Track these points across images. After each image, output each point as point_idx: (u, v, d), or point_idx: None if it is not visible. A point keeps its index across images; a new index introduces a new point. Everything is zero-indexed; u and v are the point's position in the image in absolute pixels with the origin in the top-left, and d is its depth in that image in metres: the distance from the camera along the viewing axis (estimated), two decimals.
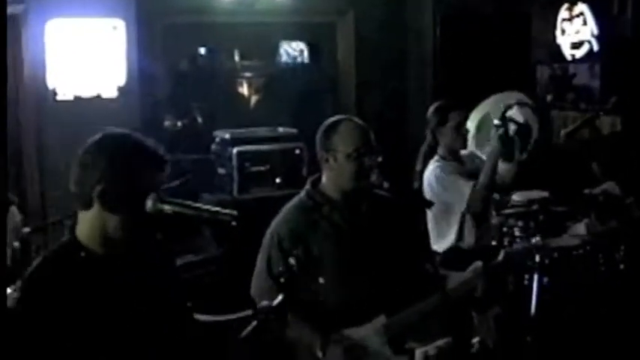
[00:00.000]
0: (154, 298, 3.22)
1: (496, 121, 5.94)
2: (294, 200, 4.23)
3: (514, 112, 6.44)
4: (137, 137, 3.13)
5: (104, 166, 3.02)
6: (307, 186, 4.24)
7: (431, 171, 6.01)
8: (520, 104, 6.36)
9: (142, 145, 3.11)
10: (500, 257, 4.18)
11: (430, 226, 6.08)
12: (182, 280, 3.50)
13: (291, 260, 3.44)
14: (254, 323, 3.37)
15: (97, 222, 3.06)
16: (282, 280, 3.40)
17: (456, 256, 5.83)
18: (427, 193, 5.98)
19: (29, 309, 2.99)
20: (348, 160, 4.06)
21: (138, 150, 3.09)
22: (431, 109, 6.18)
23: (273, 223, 4.16)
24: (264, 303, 3.40)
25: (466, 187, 5.86)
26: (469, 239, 6.01)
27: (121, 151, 3.07)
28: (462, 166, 6.06)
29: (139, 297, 3.17)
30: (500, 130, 5.86)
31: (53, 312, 2.96)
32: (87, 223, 3.08)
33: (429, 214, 6.07)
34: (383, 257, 4.09)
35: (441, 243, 6.09)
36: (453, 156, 6.09)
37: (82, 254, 3.07)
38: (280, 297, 3.37)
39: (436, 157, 6.08)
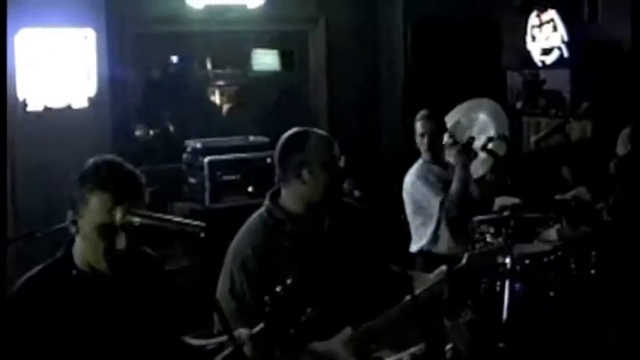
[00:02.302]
0: (135, 315, 3.30)
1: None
2: (255, 217, 4.13)
3: (485, 122, 6.52)
4: (108, 167, 3.22)
5: (75, 192, 3.19)
6: (266, 201, 4.16)
7: (410, 175, 6.30)
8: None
9: (106, 175, 3.18)
10: (463, 261, 4.19)
11: (411, 228, 6.23)
12: (171, 299, 3.55)
13: (278, 288, 3.41)
14: (229, 350, 3.36)
15: (81, 243, 3.23)
16: (266, 308, 3.37)
17: (427, 259, 5.91)
18: (405, 196, 6.17)
19: (13, 315, 3.13)
20: (324, 171, 4.02)
21: (99, 180, 3.17)
22: (417, 116, 6.42)
23: (235, 242, 4.08)
24: (242, 331, 3.40)
25: (439, 196, 6.01)
26: (442, 245, 6.09)
27: (85, 179, 3.19)
28: (445, 171, 6.19)
29: (119, 314, 3.25)
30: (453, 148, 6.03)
31: (34, 321, 3.11)
32: (77, 242, 3.26)
33: (411, 217, 6.21)
34: (349, 268, 4.07)
35: (416, 244, 6.21)
36: (435, 160, 6.25)
37: (74, 272, 3.23)
38: (261, 325, 3.36)
39: (420, 161, 6.29)
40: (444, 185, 6.15)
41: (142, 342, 3.29)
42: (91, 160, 3.25)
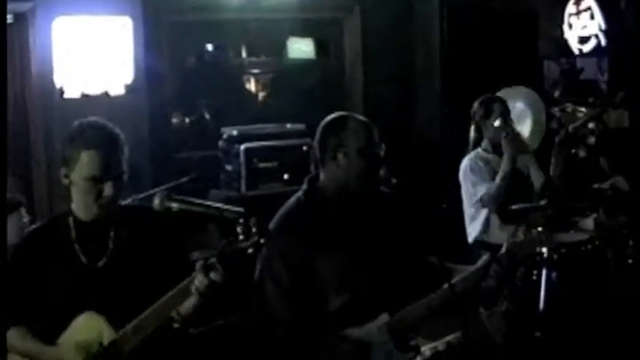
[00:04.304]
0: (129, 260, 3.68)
1: (497, 123, 6.00)
2: (292, 201, 4.12)
3: (522, 110, 6.47)
4: (91, 128, 3.68)
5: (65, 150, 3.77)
6: (304, 185, 4.16)
7: (464, 165, 6.16)
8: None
9: (90, 135, 3.64)
10: (504, 249, 4.15)
11: (466, 218, 6.19)
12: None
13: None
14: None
15: (75, 195, 3.76)
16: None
17: (480, 249, 5.88)
18: (462, 184, 6.12)
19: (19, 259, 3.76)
20: (360, 156, 4.00)
21: (84, 139, 3.64)
22: (475, 103, 6.31)
23: (273, 226, 4.01)
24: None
25: (483, 187, 5.95)
26: (496, 234, 6.04)
27: (73, 139, 3.71)
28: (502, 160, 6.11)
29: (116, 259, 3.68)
30: (507, 131, 5.93)
31: (35, 264, 3.69)
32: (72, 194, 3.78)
33: (465, 208, 6.16)
34: (385, 255, 4.06)
35: (470, 236, 6.18)
36: (495, 149, 6.17)
37: (70, 219, 3.76)
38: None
39: (478, 149, 6.20)
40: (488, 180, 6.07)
41: (136, 289, 3.58)
42: (76, 123, 3.74)
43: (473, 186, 6.11)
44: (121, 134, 3.71)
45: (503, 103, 6.26)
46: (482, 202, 6.05)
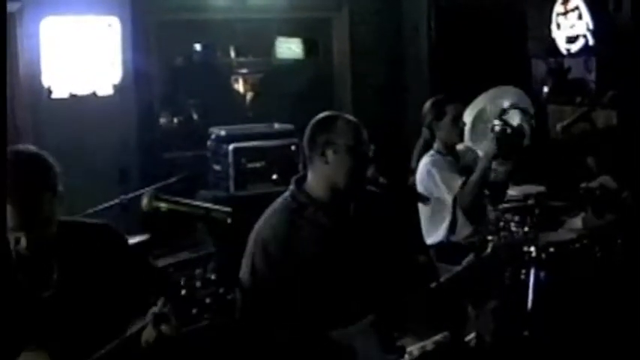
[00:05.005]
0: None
1: (496, 122, 6.01)
2: (278, 202, 4.11)
3: (509, 113, 6.47)
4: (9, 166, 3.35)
5: None
6: (291, 186, 4.15)
7: (424, 165, 6.11)
8: (516, 107, 6.42)
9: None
10: (489, 249, 4.15)
11: (422, 220, 6.15)
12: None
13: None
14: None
15: None
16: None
17: (448, 249, 5.88)
18: (419, 187, 6.06)
19: None
20: (349, 154, 3.99)
21: None
22: (427, 104, 6.28)
23: (258, 225, 4.04)
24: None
25: (456, 184, 5.94)
26: (462, 234, 6.05)
27: None
28: (457, 162, 6.14)
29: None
30: (497, 130, 5.94)
31: None
32: None
33: (422, 208, 6.12)
34: (372, 255, 4.06)
35: (432, 237, 6.15)
36: (448, 151, 6.18)
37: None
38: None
39: (431, 152, 6.18)
40: (458, 177, 6.06)
41: (88, 321, 3.33)
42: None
43: (440, 190, 6.05)
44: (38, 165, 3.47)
45: (456, 105, 6.26)
46: (461, 201, 6.02)
